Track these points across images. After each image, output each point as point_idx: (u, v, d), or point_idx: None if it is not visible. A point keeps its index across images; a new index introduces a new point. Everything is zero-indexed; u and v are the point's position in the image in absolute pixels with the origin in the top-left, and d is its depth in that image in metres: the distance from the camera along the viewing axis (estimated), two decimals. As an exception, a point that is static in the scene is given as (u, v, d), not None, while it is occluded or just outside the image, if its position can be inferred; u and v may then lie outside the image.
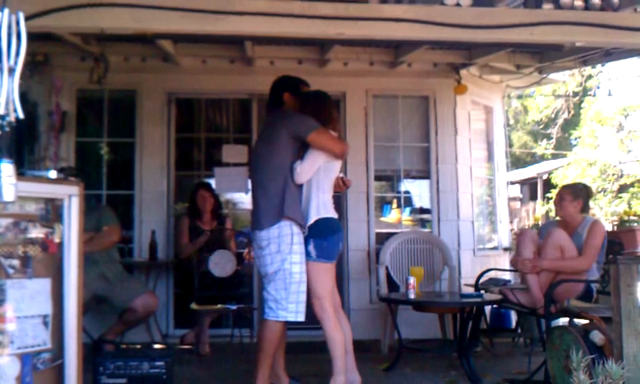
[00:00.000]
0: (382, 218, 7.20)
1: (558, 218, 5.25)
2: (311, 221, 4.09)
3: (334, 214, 4.20)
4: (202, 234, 6.00)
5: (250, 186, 6.35)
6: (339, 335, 4.12)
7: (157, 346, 5.62)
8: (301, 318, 4.03)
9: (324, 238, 4.10)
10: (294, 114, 4.21)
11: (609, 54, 6.16)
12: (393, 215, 7.40)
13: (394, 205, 7.39)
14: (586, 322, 4.13)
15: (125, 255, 6.18)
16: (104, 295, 5.11)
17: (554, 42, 5.07)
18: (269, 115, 4.48)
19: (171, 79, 6.55)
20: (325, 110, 4.24)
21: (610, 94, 18.17)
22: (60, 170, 3.66)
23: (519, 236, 5.34)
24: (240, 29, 4.14)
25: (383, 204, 7.34)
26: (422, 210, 7.27)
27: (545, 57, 6.59)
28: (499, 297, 5.12)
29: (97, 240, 5.03)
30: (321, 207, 4.13)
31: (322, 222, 4.11)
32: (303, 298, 4.02)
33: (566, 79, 16.55)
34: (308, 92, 4.38)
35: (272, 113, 4.41)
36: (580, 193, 5.06)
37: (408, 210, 7.32)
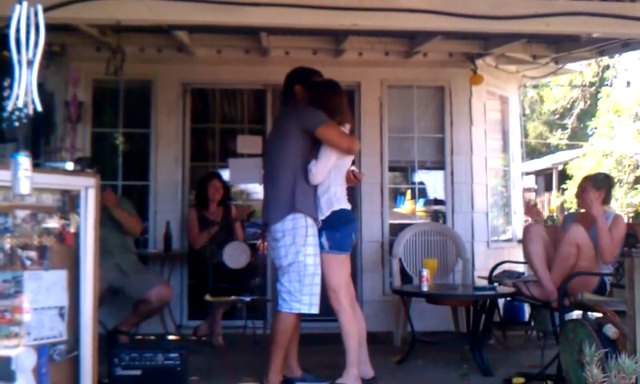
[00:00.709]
0: (396, 209, 7.19)
1: (578, 210, 5.20)
2: (325, 215, 4.10)
3: (346, 206, 4.21)
4: (210, 224, 6.00)
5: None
6: (354, 328, 4.13)
7: (171, 338, 5.69)
8: (315, 310, 4.05)
9: (336, 229, 4.12)
10: (304, 107, 4.20)
11: (626, 45, 6.09)
12: (406, 206, 7.38)
13: (408, 196, 7.37)
14: (600, 315, 4.10)
15: (139, 246, 6.21)
16: (119, 286, 5.15)
17: (571, 32, 5.03)
18: (281, 108, 4.49)
19: (186, 70, 6.57)
20: (333, 100, 4.22)
21: (628, 85, 17.98)
22: (77, 161, 3.68)
23: (525, 232, 5.27)
24: (255, 19, 4.15)
25: (397, 195, 7.32)
26: (437, 202, 7.25)
27: (561, 47, 6.53)
28: (513, 290, 5.10)
29: (130, 219, 5.13)
30: (333, 200, 4.14)
31: (335, 214, 4.13)
32: (317, 290, 4.04)
33: (583, 69, 16.39)
34: (317, 82, 4.36)
35: (284, 106, 4.42)
36: (602, 184, 5.00)
37: (422, 201, 7.30)
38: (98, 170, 3.36)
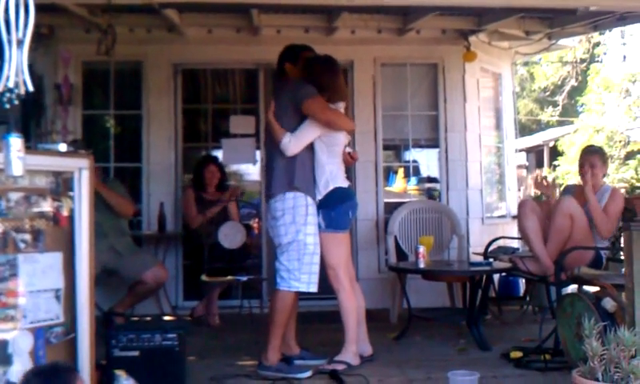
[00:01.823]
0: (387, 188, 7.15)
1: (576, 183, 5.20)
2: (321, 195, 4.08)
3: (343, 184, 4.19)
4: (207, 205, 5.97)
5: (258, 157, 6.36)
6: (353, 305, 4.13)
7: (169, 318, 5.67)
8: (313, 288, 4.04)
9: (332, 208, 4.10)
10: (296, 81, 4.17)
11: (622, 19, 6.03)
12: (398, 185, 7.36)
13: (401, 174, 7.35)
14: (597, 289, 4.11)
15: (133, 228, 6.17)
16: (114, 268, 5.11)
17: (568, 6, 4.99)
18: (275, 87, 4.46)
19: (177, 50, 6.49)
20: (325, 76, 4.17)
21: (624, 59, 17.97)
22: (71, 143, 3.64)
23: (519, 208, 5.28)
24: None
25: (388, 173, 7.30)
26: (430, 179, 7.24)
27: (555, 22, 6.48)
28: (509, 265, 5.11)
29: (118, 198, 5.07)
30: (329, 179, 4.12)
31: (330, 193, 4.11)
32: (316, 269, 4.03)
33: (576, 45, 16.35)
34: (310, 58, 4.31)
35: (277, 84, 4.38)
36: (605, 157, 5.03)
37: (414, 179, 7.28)
38: (92, 152, 3.32)
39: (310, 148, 4.11)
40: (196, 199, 6.00)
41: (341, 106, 4.24)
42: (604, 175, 5.01)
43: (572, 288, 4.82)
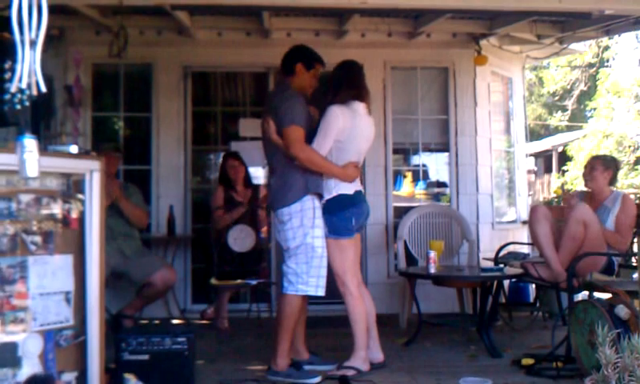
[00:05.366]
0: (394, 192, 7.12)
1: (586, 190, 5.18)
2: (325, 200, 4.05)
3: (347, 191, 4.12)
4: (235, 205, 5.88)
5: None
6: (361, 311, 4.09)
7: (178, 322, 5.66)
8: (321, 292, 4.01)
9: (334, 214, 4.07)
10: (288, 99, 4.06)
11: (637, 23, 5.98)
12: (405, 189, 7.33)
13: (409, 178, 7.31)
14: (609, 296, 4.07)
15: (142, 230, 6.15)
16: (122, 271, 5.09)
17: (583, 10, 4.95)
18: (274, 88, 4.41)
19: (187, 52, 6.49)
20: (347, 73, 4.19)
21: None
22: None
23: (531, 214, 5.25)
24: (259, -1, 4.07)
25: (396, 177, 7.26)
26: (439, 184, 7.20)
27: (567, 26, 6.44)
28: (520, 271, 5.07)
29: (135, 210, 5.13)
30: (333, 185, 4.08)
31: (333, 199, 4.08)
32: (324, 272, 4.01)
33: (586, 49, 16.29)
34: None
35: (276, 86, 4.34)
36: (610, 164, 5.01)
37: (421, 183, 7.25)
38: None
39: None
40: (225, 199, 5.89)
41: (357, 106, 4.19)
42: (610, 182, 4.97)
43: (583, 295, 4.78)
